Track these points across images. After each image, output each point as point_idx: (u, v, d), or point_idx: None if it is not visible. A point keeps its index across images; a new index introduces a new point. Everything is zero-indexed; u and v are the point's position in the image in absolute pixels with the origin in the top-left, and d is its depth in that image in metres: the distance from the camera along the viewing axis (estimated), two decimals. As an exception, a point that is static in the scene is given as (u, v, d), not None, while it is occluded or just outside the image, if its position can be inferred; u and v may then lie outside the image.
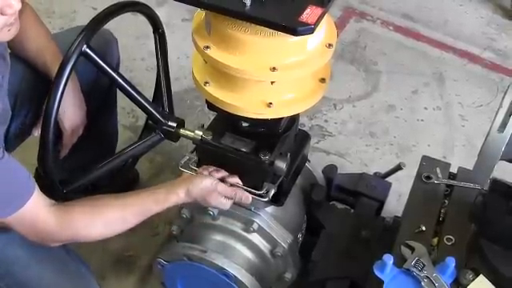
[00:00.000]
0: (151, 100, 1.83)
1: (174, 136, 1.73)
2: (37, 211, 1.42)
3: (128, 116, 2.64)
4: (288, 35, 1.30)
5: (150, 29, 1.78)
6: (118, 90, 2.00)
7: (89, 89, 1.84)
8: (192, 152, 1.71)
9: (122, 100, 2.13)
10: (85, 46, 1.49)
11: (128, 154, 1.80)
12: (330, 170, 2.03)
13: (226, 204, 1.60)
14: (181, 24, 3.08)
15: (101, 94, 1.95)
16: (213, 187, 1.56)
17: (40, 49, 1.75)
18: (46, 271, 1.60)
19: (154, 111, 1.72)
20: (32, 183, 1.41)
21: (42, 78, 1.74)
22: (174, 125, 1.72)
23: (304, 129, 2.03)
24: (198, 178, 1.57)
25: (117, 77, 1.65)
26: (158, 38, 1.80)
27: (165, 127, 1.72)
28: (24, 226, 1.43)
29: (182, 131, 1.71)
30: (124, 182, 2.13)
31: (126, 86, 1.67)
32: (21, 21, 1.45)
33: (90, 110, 1.82)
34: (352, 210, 1.99)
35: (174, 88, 1.86)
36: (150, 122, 1.77)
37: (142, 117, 2.38)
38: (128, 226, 1.55)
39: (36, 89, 1.77)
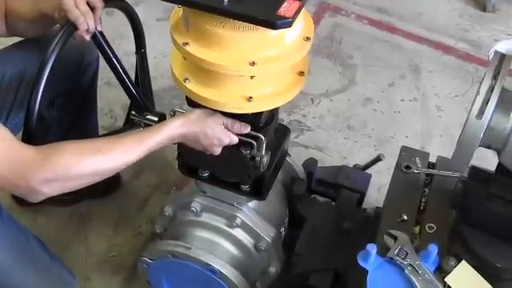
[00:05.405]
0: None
1: None
2: (11, 140, 1.31)
3: (106, 117, 2.63)
4: (266, 29, 1.31)
5: (126, 29, 1.78)
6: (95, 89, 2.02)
7: (69, 88, 1.83)
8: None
9: (99, 101, 2.13)
10: None
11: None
12: (310, 164, 2.04)
13: (225, 134, 1.51)
14: (156, 23, 3.07)
15: (81, 93, 1.95)
16: (212, 111, 1.50)
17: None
18: (29, 277, 1.58)
19: (139, 98, 1.73)
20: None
21: (21, 81, 1.73)
22: (156, 118, 1.72)
23: (282, 124, 2.04)
24: (196, 109, 1.52)
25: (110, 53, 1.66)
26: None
27: (147, 120, 1.72)
28: None
29: None
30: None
31: (117, 65, 1.67)
32: None
33: (70, 111, 1.81)
34: (333, 203, 2.01)
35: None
36: (131, 116, 1.77)
37: (121, 118, 2.37)
38: (126, 158, 1.41)
39: (15, 93, 1.76)
